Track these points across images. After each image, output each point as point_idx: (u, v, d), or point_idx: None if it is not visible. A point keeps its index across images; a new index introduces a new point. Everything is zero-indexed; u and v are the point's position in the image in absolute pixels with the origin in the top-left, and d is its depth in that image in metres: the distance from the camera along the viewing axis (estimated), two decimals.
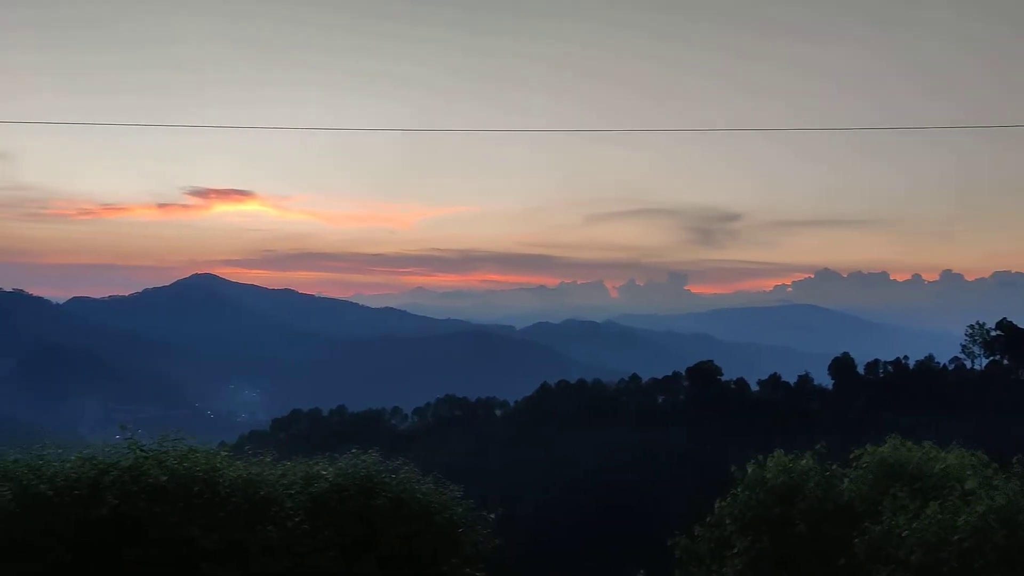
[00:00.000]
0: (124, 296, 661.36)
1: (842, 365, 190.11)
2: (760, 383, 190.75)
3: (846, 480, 15.18)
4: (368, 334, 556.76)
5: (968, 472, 13.59)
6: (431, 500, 14.50)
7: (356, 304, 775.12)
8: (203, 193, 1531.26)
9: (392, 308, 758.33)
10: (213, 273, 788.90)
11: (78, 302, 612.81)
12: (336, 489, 13.98)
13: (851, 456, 15.63)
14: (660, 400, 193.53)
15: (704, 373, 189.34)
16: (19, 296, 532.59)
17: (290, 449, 15.67)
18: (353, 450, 15.04)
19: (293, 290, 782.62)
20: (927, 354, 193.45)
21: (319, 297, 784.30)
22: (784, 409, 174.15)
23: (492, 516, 15.41)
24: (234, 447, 14.71)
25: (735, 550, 14.85)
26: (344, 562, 12.99)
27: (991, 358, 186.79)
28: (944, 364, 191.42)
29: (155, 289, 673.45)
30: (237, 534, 12.26)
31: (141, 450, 13.02)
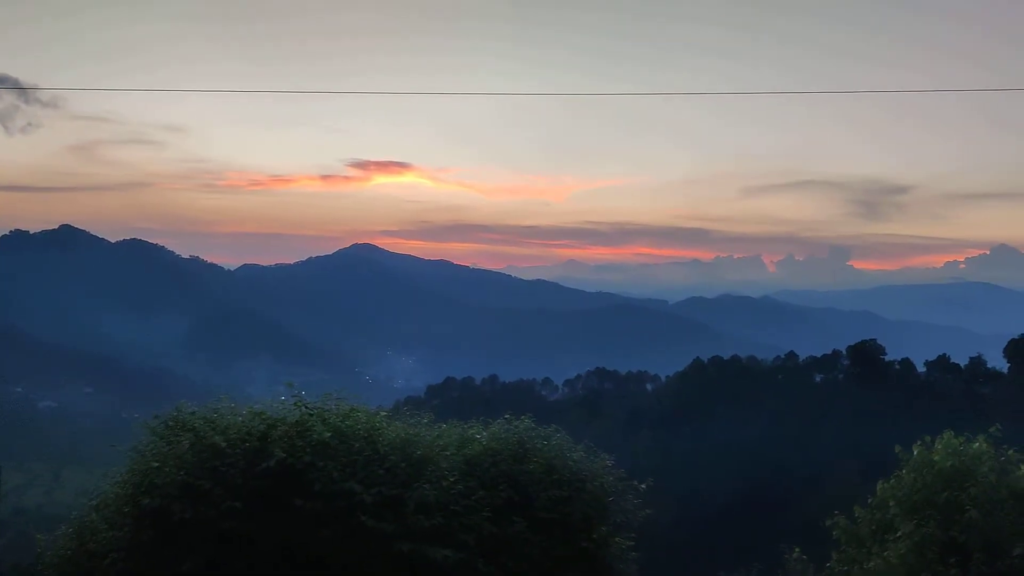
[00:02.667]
0: (290, 264, 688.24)
1: (1019, 347, 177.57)
2: (927, 364, 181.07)
3: (1023, 466, 14.24)
4: (521, 306, 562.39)
5: None
6: (582, 468, 14.63)
7: (509, 276, 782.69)
8: (363, 165, 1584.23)
9: (545, 280, 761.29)
10: (372, 243, 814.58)
11: (248, 269, 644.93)
12: (489, 452, 14.29)
13: None
14: (818, 379, 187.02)
15: (866, 352, 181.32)
16: (195, 262, 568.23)
17: (444, 415, 16.06)
18: (506, 416, 15.29)
19: (448, 261, 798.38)
20: None
21: (473, 268, 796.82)
22: (953, 392, 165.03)
23: (643, 486, 15.36)
24: (391, 411, 15.22)
25: (898, 534, 14.19)
26: (496, 523, 13.25)
27: None
28: None
29: (319, 258, 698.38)
30: (395, 490, 12.70)
31: (306, 407, 13.63)
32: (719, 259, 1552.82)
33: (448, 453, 13.96)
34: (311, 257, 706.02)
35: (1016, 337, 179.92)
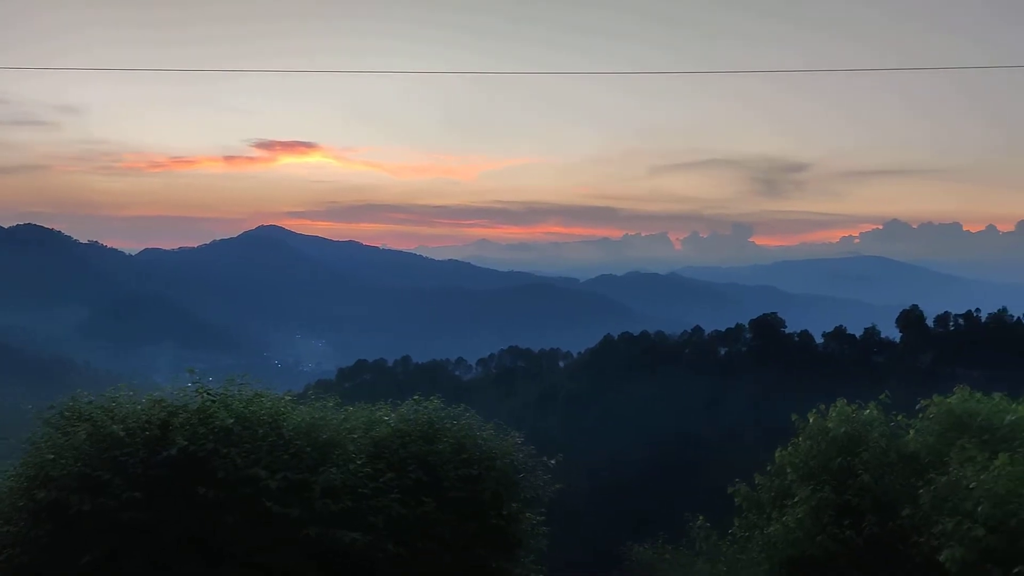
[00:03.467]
0: (193, 247, 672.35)
1: (911, 318, 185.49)
2: (825, 336, 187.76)
3: (911, 431, 14.91)
4: (432, 286, 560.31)
5: None
6: (492, 446, 14.72)
7: (420, 256, 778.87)
8: (268, 145, 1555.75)
9: (456, 260, 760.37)
10: (279, 225, 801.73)
11: (150, 253, 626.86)
12: (398, 434, 14.25)
13: (917, 407, 15.32)
14: (723, 352, 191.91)
15: (767, 325, 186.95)
16: (94, 247, 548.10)
17: (355, 398, 15.93)
18: (415, 396, 15.27)
19: (357, 242, 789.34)
20: (1000, 307, 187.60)
21: (383, 249, 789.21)
22: (849, 362, 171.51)
23: (552, 462, 15.55)
24: (296, 396, 15.03)
25: (796, 499, 14.75)
26: (406, 504, 13.25)
27: None
28: (1018, 317, 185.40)
29: (223, 240, 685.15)
30: (300, 475, 12.59)
31: (208, 394, 13.39)
32: (627, 237, 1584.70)
33: (355, 436, 13.87)
34: (215, 240, 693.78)
35: (907, 308, 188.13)
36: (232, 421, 12.80)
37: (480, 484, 14.19)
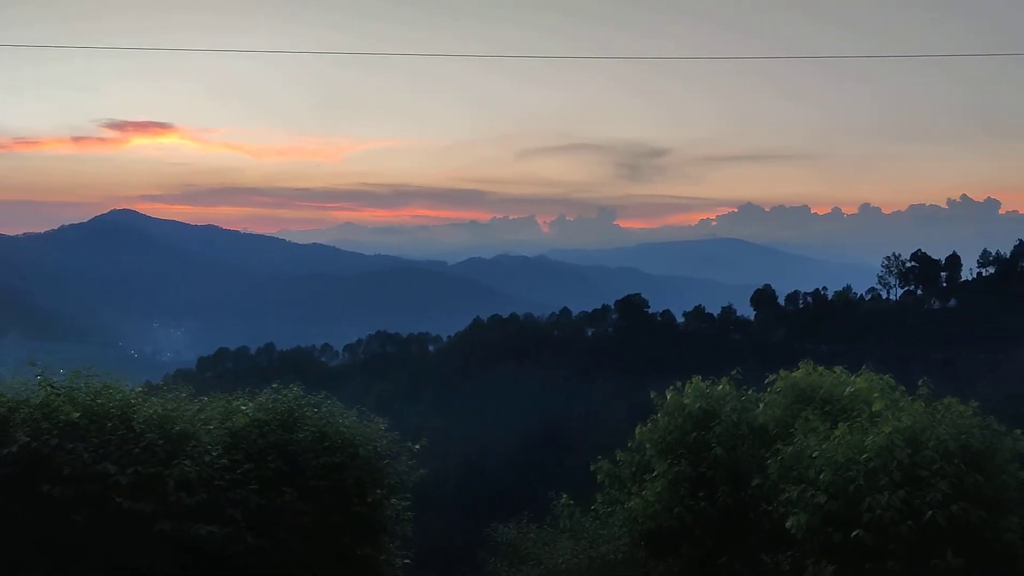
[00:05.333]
0: (40, 233, 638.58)
1: (763, 297, 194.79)
2: (685, 315, 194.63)
3: (761, 404, 15.58)
4: (297, 271, 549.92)
5: (876, 395, 14.00)
6: (354, 433, 14.53)
7: (283, 240, 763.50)
8: (120, 126, 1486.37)
9: (321, 244, 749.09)
10: (133, 209, 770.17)
11: None
12: (256, 423, 13.90)
13: (766, 381, 16.00)
14: (590, 333, 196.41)
15: (632, 306, 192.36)
16: None
17: (217, 388, 15.42)
18: (274, 385, 14.94)
19: (217, 226, 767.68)
20: (845, 285, 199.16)
21: (244, 233, 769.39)
22: (708, 340, 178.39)
23: (417, 447, 15.50)
24: (146, 387, 14.47)
25: (655, 473, 15.22)
26: (265, 495, 12.98)
27: (906, 288, 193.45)
28: (861, 295, 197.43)
29: (72, 226, 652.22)
30: (153, 469, 12.14)
31: (52, 387, 12.79)
32: (495, 220, 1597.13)
33: (211, 427, 13.46)
34: (64, 225, 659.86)
35: (760, 288, 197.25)
36: (78, 415, 12.27)
37: (343, 472, 14.01)
